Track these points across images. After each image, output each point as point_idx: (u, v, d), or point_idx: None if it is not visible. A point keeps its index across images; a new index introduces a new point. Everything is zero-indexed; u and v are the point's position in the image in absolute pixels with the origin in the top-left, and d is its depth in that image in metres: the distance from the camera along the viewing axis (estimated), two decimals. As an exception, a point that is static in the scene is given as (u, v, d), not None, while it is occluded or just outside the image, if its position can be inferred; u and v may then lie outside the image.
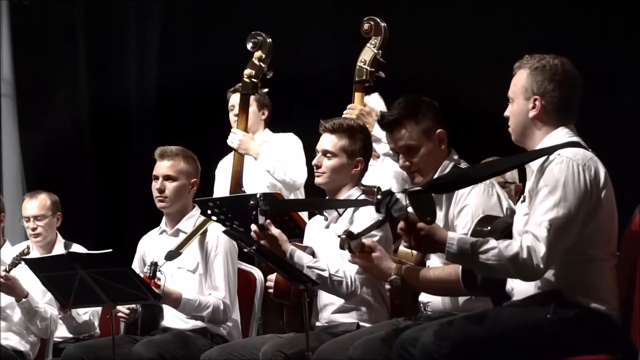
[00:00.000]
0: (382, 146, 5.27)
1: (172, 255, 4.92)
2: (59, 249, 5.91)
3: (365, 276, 4.40)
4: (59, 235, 6.00)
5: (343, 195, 4.59)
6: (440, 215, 4.06)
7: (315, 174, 4.64)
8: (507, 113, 3.72)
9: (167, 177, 5.08)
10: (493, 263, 3.42)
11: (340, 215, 4.60)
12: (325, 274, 4.36)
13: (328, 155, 4.58)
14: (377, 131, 5.25)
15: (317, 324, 4.61)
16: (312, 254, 4.57)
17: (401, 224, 3.48)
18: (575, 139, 3.60)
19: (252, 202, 4.33)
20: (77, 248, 5.88)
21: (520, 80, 3.67)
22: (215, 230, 5.05)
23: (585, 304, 3.49)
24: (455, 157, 4.20)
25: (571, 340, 3.48)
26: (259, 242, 4.31)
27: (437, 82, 6.33)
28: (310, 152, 5.20)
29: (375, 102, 5.83)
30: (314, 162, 4.66)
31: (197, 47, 7.76)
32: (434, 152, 4.15)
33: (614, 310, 3.53)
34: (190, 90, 7.61)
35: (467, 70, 6.70)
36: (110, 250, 4.61)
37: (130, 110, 8.07)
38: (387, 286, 4.10)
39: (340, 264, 4.42)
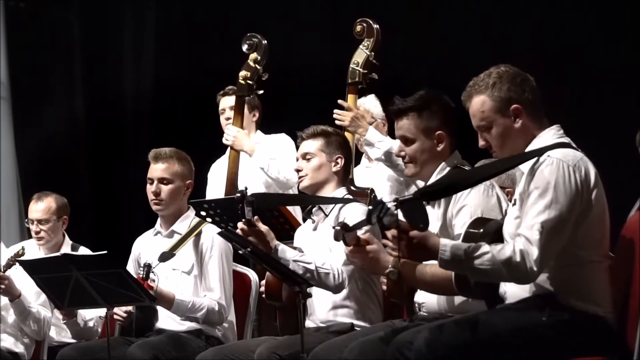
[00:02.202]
0: (374, 151, 5.24)
1: (165, 257, 4.90)
2: (65, 250, 5.85)
3: (352, 267, 4.41)
4: (66, 237, 5.96)
5: (327, 193, 4.67)
6: (438, 213, 4.07)
7: (299, 179, 4.74)
8: (482, 143, 3.69)
9: (161, 180, 5.06)
10: (486, 268, 3.42)
11: (327, 215, 4.63)
12: (312, 266, 4.39)
13: (307, 157, 4.72)
14: (370, 135, 5.24)
15: (311, 324, 4.61)
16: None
17: (393, 232, 3.48)
18: (565, 139, 3.60)
19: (238, 194, 4.35)
20: (83, 251, 5.84)
21: (484, 105, 3.65)
22: (210, 232, 5.03)
23: (579, 307, 3.48)
24: (456, 160, 4.19)
25: (566, 343, 3.47)
26: (252, 244, 4.31)
27: (433, 83, 6.31)
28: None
29: (371, 104, 5.81)
30: (295, 167, 4.78)
31: (193, 50, 7.76)
32: (430, 150, 4.17)
33: (609, 312, 3.53)
34: (186, 93, 7.61)
35: (463, 72, 6.68)
36: (105, 252, 4.61)
37: (126, 112, 8.06)
38: (383, 279, 4.09)
39: (326, 257, 4.44)
